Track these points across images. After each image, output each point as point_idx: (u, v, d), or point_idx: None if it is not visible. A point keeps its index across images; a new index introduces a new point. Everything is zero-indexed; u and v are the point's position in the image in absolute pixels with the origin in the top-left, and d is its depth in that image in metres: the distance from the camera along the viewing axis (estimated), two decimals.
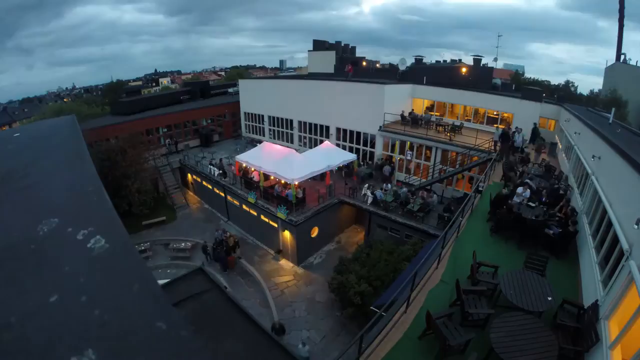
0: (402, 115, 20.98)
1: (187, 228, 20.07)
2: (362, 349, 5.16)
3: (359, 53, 41.22)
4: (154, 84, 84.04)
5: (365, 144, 21.74)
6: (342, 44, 39.50)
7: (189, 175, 24.13)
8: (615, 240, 5.82)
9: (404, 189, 16.98)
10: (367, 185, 17.34)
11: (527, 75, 48.75)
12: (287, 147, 19.77)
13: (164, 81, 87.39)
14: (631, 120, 24.78)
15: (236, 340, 3.37)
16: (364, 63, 34.45)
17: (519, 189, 10.40)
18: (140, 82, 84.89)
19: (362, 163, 21.33)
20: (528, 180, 11.14)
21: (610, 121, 12.46)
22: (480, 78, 24.05)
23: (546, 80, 44.06)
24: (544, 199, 10.12)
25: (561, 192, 10.63)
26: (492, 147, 16.44)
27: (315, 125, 24.09)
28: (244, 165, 18.77)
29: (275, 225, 16.81)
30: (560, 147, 17.11)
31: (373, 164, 21.21)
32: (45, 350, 0.74)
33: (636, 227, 4.90)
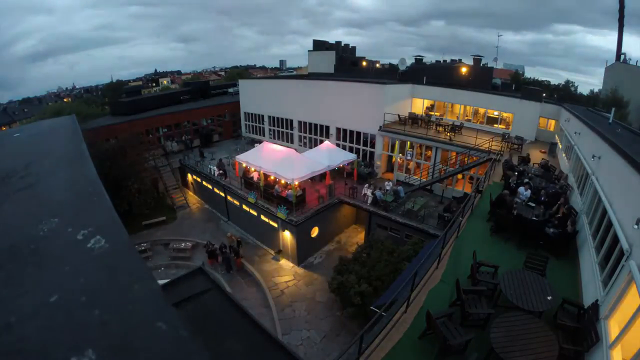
0: (399, 117, 20.98)
1: (187, 228, 20.07)
2: (362, 349, 5.16)
3: None
4: (154, 84, 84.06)
5: (365, 144, 21.74)
6: (342, 44, 39.51)
7: (189, 175, 24.14)
8: (615, 240, 5.82)
9: (400, 188, 17.01)
10: (367, 185, 17.34)
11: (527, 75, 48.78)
12: (287, 147, 19.76)
13: (164, 81, 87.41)
14: (631, 120, 24.77)
15: (236, 341, 3.37)
16: (364, 63, 34.43)
17: (520, 189, 10.41)
18: (140, 82, 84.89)
19: (362, 163, 21.33)
20: (528, 180, 11.15)
21: (610, 121, 12.46)
22: (480, 78, 24.06)
23: (546, 80, 44.09)
24: (542, 199, 10.12)
25: (557, 190, 10.62)
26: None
27: (315, 125, 24.09)
28: (244, 165, 18.78)
29: (275, 225, 16.81)
30: (560, 147, 17.11)
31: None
32: (45, 350, 0.74)
33: (636, 227, 4.90)
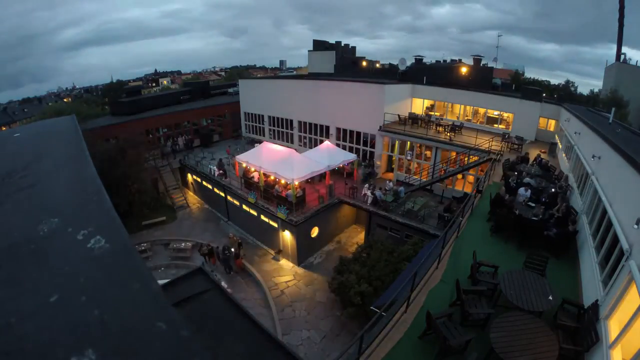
0: (399, 117, 20.99)
1: (187, 228, 20.07)
2: (362, 349, 5.17)
3: None
4: (154, 84, 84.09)
5: (365, 144, 21.74)
6: (342, 44, 39.52)
7: (189, 175, 24.14)
8: (615, 240, 5.82)
9: (401, 188, 17.01)
10: (367, 185, 17.34)
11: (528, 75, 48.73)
12: (287, 147, 19.76)
13: (164, 81, 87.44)
14: (631, 120, 24.77)
15: (236, 341, 3.37)
16: (364, 63, 34.43)
17: (520, 190, 10.41)
18: (140, 82, 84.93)
19: (363, 163, 21.33)
20: (528, 180, 11.15)
21: (610, 121, 12.46)
22: (480, 78, 24.06)
23: (546, 80, 44.08)
24: (544, 199, 10.12)
25: (557, 191, 10.61)
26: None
27: (315, 125, 24.09)
28: (244, 165, 18.78)
29: (275, 225, 16.81)
30: (560, 147, 17.11)
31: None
32: (45, 350, 0.74)
33: (636, 227, 4.90)
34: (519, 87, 26.36)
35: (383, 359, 5.25)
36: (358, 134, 21.83)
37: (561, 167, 14.68)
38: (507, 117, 20.95)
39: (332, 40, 39.04)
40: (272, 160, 17.17)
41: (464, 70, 25.33)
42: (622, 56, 31.96)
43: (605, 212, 6.80)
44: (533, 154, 16.43)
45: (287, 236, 16.37)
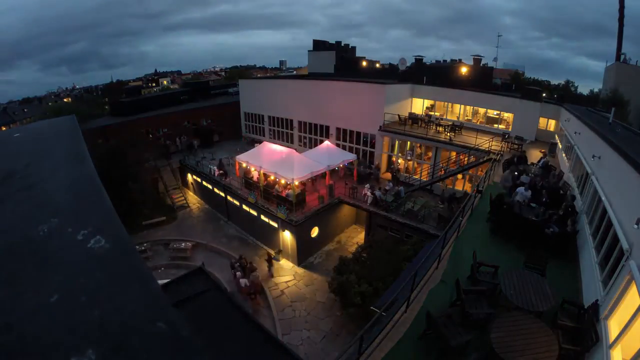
0: (399, 117, 20.99)
1: (187, 228, 20.07)
2: (362, 349, 5.16)
3: None
4: (154, 84, 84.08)
5: (365, 144, 21.74)
6: (342, 44, 39.49)
7: (189, 175, 24.14)
8: (615, 240, 5.82)
9: (401, 188, 17.01)
10: (368, 185, 17.34)
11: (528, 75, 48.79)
12: (287, 147, 19.77)
13: (164, 81, 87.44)
14: (632, 120, 24.75)
15: (236, 340, 3.37)
16: (364, 63, 34.42)
17: (520, 189, 10.40)
18: (140, 82, 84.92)
19: (364, 164, 21.32)
20: (523, 178, 11.14)
21: (610, 121, 12.46)
22: (481, 78, 24.06)
23: (546, 80, 44.10)
24: (545, 200, 10.11)
25: (558, 186, 10.61)
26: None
27: (315, 125, 24.09)
28: (244, 165, 18.78)
29: (275, 225, 16.81)
30: (560, 147, 17.11)
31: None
32: (45, 350, 0.74)
33: (636, 227, 4.90)
34: (519, 87, 26.36)
35: (383, 359, 5.25)
36: (358, 134, 21.84)
37: (561, 167, 14.68)
38: (507, 117, 20.94)
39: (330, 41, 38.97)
40: (272, 160, 17.17)
41: (464, 70, 25.33)
42: (622, 56, 31.92)
43: (605, 212, 6.80)
44: (533, 153, 16.43)
45: (287, 236, 16.37)
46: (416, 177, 19.55)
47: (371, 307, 9.36)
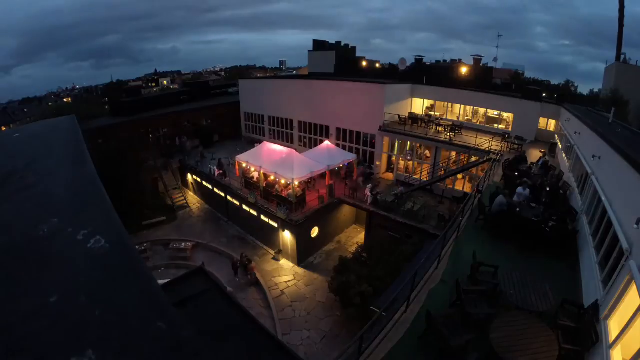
0: (399, 117, 20.99)
1: (187, 228, 20.07)
2: (362, 349, 5.16)
3: None
4: (154, 84, 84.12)
5: (365, 144, 21.74)
6: (342, 44, 39.49)
7: (189, 175, 24.14)
8: (615, 240, 5.82)
9: (401, 188, 17.02)
10: (370, 185, 17.34)
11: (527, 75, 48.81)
12: (287, 147, 19.78)
13: (164, 81, 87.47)
14: (632, 120, 24.75)
15: (236, 341, 3.37)
16: (364, 63, 34.41)
17: (519, 189, 10.39)
18: (140, 82, 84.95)
19: (364, 164, 21.32)
20: (526, 179, 11.14)
21: (610, 121, 12.46)
22: (481, 78, 24.06)
23: (546, 80, 44.11)
24: (545, 200, 10.12)
25: (557, 183, 10.59)
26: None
27: (315, 125, 24.10)
28: (244, 165, 18.79)
29: (275, 225, 16.81)
30: (560, 147, 17.11)
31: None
32: (45, 350, 0.74)
33: (636, 227, 4.90)
34: (519, 87, 26.36)
35: (383, 359, 5.25)
36: (358, 134, 21.84)
37: (561, 167, 14.68)
38: (507, 117, 20.95)
39: (331, 41, 38.99)
40: (272, 160, 17.18)
41: (464, 70, 25.33)
42: (622, 56, 31.91)
43: (605, 212, 6.80)
44: (533, 154, 16.43)
45: (287, 236, 16.37)
46: (416, 177, 19.56)
47: (371, 307, 9.36)
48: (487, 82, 24.16)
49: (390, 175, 20.98)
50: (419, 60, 29.08)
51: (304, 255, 16.60)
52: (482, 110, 21.94)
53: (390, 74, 27.67)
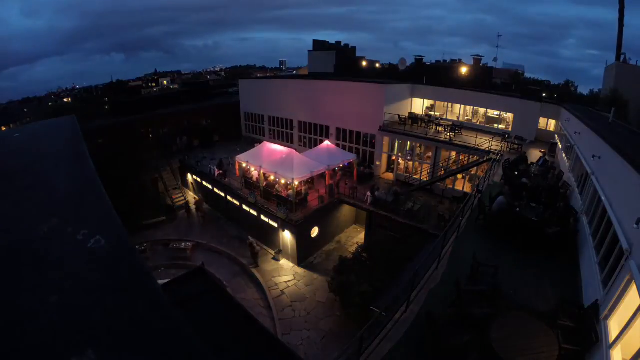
0: (399, 117, 21.00)
1: (187, 228, 20.07)
2: (362, 349, 5.16)
3: None
4: (154, 84, 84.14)
5: (365, 144, 21.75)
6: (342, 44, 39.51)
7: (189, 175, 24.14)
8: (615, 240, 5.81)
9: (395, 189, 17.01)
10: (373, 185, 17.33)
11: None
12: (287, 147, 19.78)
13: (164, 81, 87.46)
14: (631, 120, 24.74)
15: (236, 340, 3.37)
16: (364, 63, 34.43)
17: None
18: (140, 82, 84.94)
19: (364, 164, 21.32)
20: (525, 180, 11.14)
21: (610, 121, 12.46)
22: (481, 78, 24.06)
23: (546, 80, 44.06)
24: (544, 200, 10.11)
25: (557, 186, 10.59)
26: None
27: (315, 125, 24.10)
28: (244, 165, 18.79)
29: (275, 225, 16.81)
30: (560, 147, 17.11)
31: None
32: (45, 350, 0.74)
33: (636, 226, 4.90)
34: (519, 87, 26.35)
35: (383, 359, 5.25)
36: (358, 134, 21.84)
37: (561, 167, 14.68)
38: (507, 117, 20.95)
39: (332, 41, 39.03)
40: (272, 160, 17.18)
41: (464, 70, 25.33)
42: (622, 56, 31.91)
43: (605, 212, 6.79)
44: (533, 154, 16.42)
45: (287, 236, 16.37)
46: (416, 177, 19.55)
47: (371, 307, 9.36)
48: (487, 82, 24.16)
49: (390, 175, 20.97)
50: (419, 60, 29.08)
51: (304, 255, 16.60)
52: (482, 110, 21.93)
53: (390, 74, 27.68)
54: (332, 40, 39.13)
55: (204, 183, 22.19)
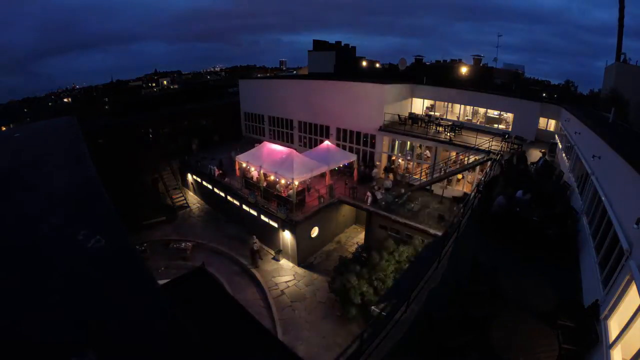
0: (399, 117, 21.00)
1: (187, 228, 20.07)
2: (362, 348, 5.16)
3: None
4: (153, 84, 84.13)
5: (365, 144, 21.74)
6: (342, 44, 39.52)
7: (189, 175, 24.14)
8: (615, 240, 5.81)
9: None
10: (374, 184, 17.33)
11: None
12: (287, 147, 19.77)
13: (164, 81, 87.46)
14: (631, 120, 24.73)
15: (236, 340, 3.37)
16: (364, 63, 34.42)
17: (518, 193, 10.36)
18: (140, 82, 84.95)
19: (364, 164, 21.32)
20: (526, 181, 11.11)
21: (610, 121, 12.46)
22: (481, 78, 24.06)
23: (546, 80, 44.05)
24: (544, 200, 10.09)
25: (557, 189, 10.59)
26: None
27: (315, 125, 24.10)
28: (244, 165, 18.79)
29: (275, 225, 16.81)
30: (560, 147, 17.10)
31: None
32: (45, 350, 0.75)
33: (636, 227, 4.89)
34: (519, 87, 26.36)
35: (383, 359, 5.25)
36: (358, 134, 21.84)
37: (561, 167, 14.67)
38: (507, 117, 20.94)
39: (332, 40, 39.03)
40: (272, 160, 17.18)
41: (464, 70, 25.33)
42: (622, 56, 31.89)
43: (605, 212, 6.79)
44: (533, 154, 16.41)
45: (287, 236, 16.37)
46: (416, 177, 19.55)
47: (371, 307, 9.36)
48: (487, 82, 24.16)
49: (390, 175, 20.95)
50: (419, 60, 29.10)
51: (304, 255, 16.60)
52: (482, 110, 21.93)
53: (390, 74, 27.68)
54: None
55: (204, 183, 22.19)
